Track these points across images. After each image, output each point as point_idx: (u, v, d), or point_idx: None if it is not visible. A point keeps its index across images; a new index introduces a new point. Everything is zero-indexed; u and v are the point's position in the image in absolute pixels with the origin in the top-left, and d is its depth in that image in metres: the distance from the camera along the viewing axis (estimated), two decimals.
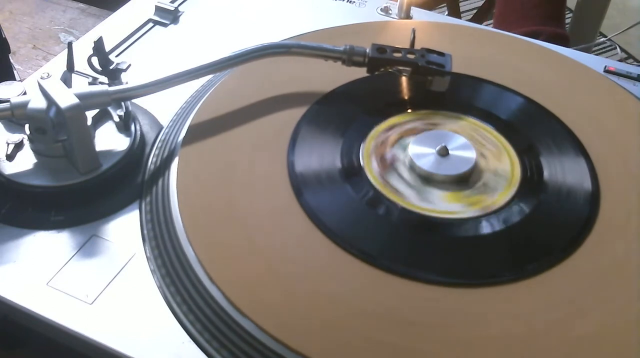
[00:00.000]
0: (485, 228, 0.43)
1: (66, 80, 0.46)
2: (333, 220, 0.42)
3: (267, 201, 0.44)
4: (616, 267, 0.41)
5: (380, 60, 0.50)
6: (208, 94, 0.51)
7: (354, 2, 0.65)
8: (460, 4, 1.09)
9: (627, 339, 0.37)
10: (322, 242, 0.41)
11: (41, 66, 0.66)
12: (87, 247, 0.42)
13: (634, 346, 0.37)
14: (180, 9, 0.63)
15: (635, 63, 1.35)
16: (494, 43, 0.59)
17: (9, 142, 0.46)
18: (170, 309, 0.39)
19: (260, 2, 0.64)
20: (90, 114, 0.46)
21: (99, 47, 0.49)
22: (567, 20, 1.06)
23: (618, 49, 1.32)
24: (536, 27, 0.73)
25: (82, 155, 0.44)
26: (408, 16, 0.64)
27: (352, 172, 0.46)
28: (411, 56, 0.50)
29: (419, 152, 0.47)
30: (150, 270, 0.41)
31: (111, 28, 0.60)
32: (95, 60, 0.50)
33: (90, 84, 0.53)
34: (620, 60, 1.06)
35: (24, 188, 0.44)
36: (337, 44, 0.50)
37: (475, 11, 1.12)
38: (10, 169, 0.45)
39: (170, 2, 0.63)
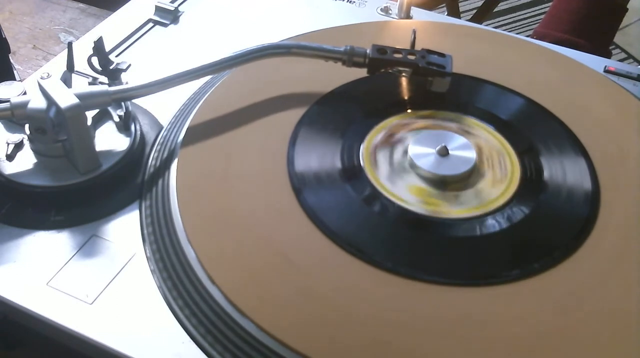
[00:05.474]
0: (485, 228, 0.43)
1: (66, 80, 0.46)
2: (333, 220, 0.42)
3: (267, 201, 0.44)
4: (616, 267, 0.41)
5: (381, 61, 0.50)
6: (208, 94, 0.51)
7: (354, 2, 0.65)
8: (460, 4, 1.09)
9: (628, 339, 0.37)
10: (323, 242, 0.41)
11: (41, 66, 0.66)
12: (87, 247, 0.42)
13: (634, 345, 0.37)
14: (180, 9, 0.63)
15: (635, 63, 1.35)
16: (494, 43, 0.59)
17: (9, 142, 0.46)
18: (171, 310, 0.39)
19: (260, 2, 0.64)
20: (90, 114, 0.46)
21: (99, 47, 0.49)
22: None
23: (618, 49, 1.32)
24: (578, 40, 0.72)
25: (82, 155, 0.44)
26: (408, 16, 0.64)
27: (352, 172, 0.46)
28: (412, 57, 0.50)
29: (419, 152, 0.47)
30: (150, 270, 0.41)
31: (111, 28, 0.60)
32: (95, 60, 0.50)
33: (90, 84, 0.53)
34: (620, 60, 1.06)
35: (24, 188, 0.44)
36: (337, 44, 0.50)
37: (475, 11, 1.12)
38: (10, 168, 0.45)
39: (170, 2, 0.63)
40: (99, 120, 0.48)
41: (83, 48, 0.55)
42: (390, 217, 0.43)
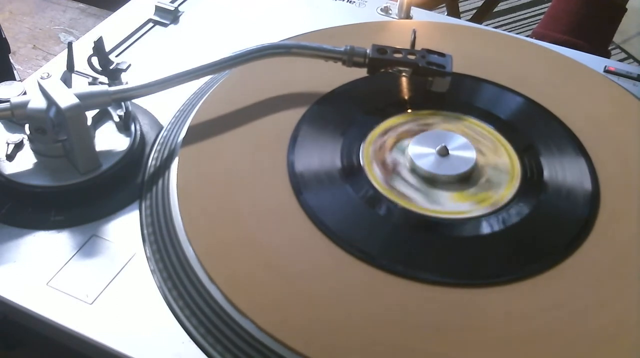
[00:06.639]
0: (485, 228, 0.43)
1: (66, 80, 0.46)
2: (333, 220, 0.42)
3: (267, 201, 0.44)
4: (616, 267, 0.41)
5: (381, 61, 0.50)
6: (208, 93, 0.51)
7: (354, 2, 0.65)
8: (460, 4, 1.09)
9: (628, 339, 0.37)
10: (322, 242, 0.41)
11: (41, 66, 0.66)
12: (87, 247, 0.42)
13: (634, 346, 0.37)
14: (180, 9, 0.63)
15: (635, 63, 1.35)
16: (494, 43, 0.59)
17: (9, 142, 0.46)
18: (171, 310, 0.39)
19: (260, 2, 0.64)
20: (90, 114, 0.46)
21: (99, 47, 0.49)
22: None
23: (618, 49, 1.32)
24: (577, 41, 0.71)
25: (82, 155, 0.44)
26: (408, 16, 0.64)
27: (352, 172, 0.46)
28: (412, 57, 0.50)
29: (419, 152, 0.47)
30: (150, 270, 0.41)
31: (111, 28, 0.60)
32: (95, 60, 0.50)
33: (90, 84, 0.53)
34: (620, 60, 1.06)
35: (24, 188, 0.44)
36: (337, 44, 0.50)
37: (475, 11, 1.12)
38: (10, 168, 0.45)
39: (170, 2, 0.63)
40: (99, 120, 0.48)
41: (83, 48, 0.55)
42: (391, 217, 0.43)
